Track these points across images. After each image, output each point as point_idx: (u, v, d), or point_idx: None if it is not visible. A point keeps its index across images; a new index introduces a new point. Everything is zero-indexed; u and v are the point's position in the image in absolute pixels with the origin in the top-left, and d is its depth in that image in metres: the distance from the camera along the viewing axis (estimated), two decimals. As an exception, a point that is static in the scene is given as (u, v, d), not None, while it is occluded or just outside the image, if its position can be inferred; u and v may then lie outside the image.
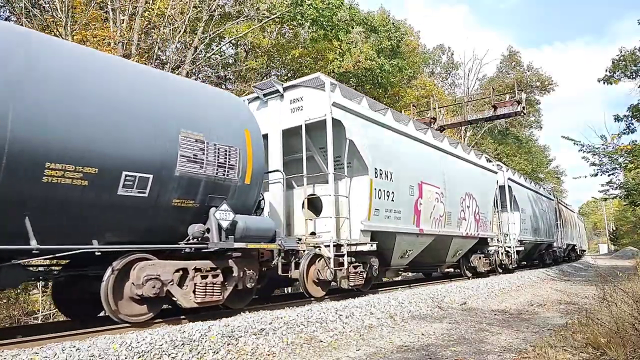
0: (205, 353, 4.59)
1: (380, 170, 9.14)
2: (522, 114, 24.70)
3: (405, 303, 8.09)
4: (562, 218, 27.39)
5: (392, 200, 9.49)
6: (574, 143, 14.74)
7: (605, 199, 21.45)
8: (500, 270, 15.97)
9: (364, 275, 8.78)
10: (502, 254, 15.80)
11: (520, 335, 5.99)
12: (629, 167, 14.79)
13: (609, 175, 15.23)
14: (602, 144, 14.64)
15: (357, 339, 5.77)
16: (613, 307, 5.20)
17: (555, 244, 24.34)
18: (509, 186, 17.80)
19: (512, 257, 16.50)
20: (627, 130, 13.99)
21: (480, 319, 7.37)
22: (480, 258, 14.39)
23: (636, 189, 15.12)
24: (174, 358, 4.37)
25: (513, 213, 17.61)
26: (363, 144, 8.81)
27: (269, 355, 4.87)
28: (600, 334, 4.57)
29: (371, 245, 8.64)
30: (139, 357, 4.22)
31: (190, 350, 4.53)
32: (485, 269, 14.46)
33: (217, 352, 4.66)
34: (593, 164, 14.97)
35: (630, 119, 13.66)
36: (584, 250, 43.11)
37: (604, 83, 13.77)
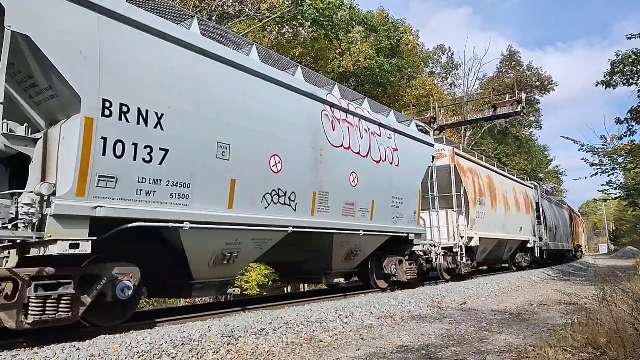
0: (205, 353, 4.59)
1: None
2: (522, 114, 24.73)
3: (405, 303, 8.10)
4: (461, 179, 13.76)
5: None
6: (574, 142, 14.81)
7: (605, 200, 21.48)
8: None
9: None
10: None
11: (520, 335, 5.98)
12: (629, 167, 14.82)
13: (608, 176, 15.25)
14: (602, 145, 14.69)
15: (357, 339, 5.77)
16: (613, 307, 5.20)
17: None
18: None
19: None
20: (628, 132, 13.98)
21: (480, 319, 7.37)
22: None
23: (636, 189, 15.13)
24: (174, 358, 4.37)
25: None
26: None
27: (269, 355, 4.86)
28: (600, 334, 4.57)
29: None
30: (139, 357, 4.21)
31: (190, 350, 4.53)
32: None
33: (217, 352, 4.66)
34: (593, 164, 15.00)
35: (630, 121, 13.65)
36: (574, 251, 32.01)
37: (603, 87, 13.76)
